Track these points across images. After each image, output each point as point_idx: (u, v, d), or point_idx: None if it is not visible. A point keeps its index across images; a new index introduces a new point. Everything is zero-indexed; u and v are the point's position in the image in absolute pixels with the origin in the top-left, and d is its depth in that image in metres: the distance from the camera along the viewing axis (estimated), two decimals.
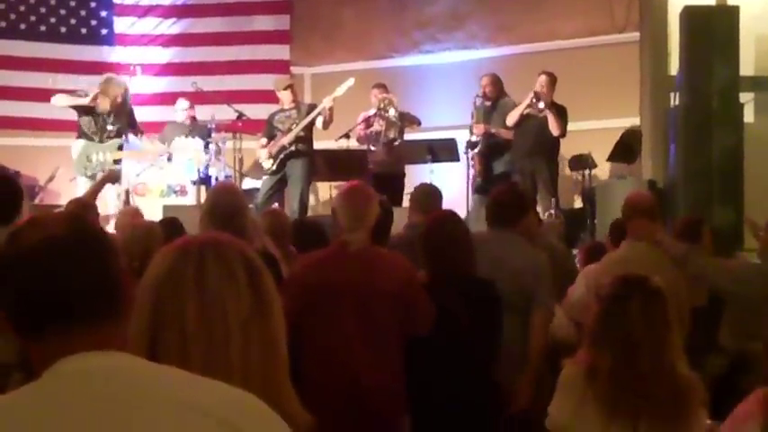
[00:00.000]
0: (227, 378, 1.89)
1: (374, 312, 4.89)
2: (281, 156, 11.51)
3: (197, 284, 2.11)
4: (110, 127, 11.59)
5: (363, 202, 5.10)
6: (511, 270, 5.59)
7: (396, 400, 4.97)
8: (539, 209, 10.85)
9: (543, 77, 11.52)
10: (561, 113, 11.38)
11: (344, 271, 4.93)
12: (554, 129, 11.31)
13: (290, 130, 11.52)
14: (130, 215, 8.11)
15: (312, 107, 11.78)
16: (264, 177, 11.65)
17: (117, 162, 11.29)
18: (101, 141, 11.56)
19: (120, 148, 11.59)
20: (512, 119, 11.61)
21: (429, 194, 7.17)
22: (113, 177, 9.28)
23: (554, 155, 11.64)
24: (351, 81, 11.67)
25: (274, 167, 11.55)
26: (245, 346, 2.11)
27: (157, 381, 1.79)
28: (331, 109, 11.46)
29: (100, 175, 10.81)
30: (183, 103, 12.77)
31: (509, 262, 5.65)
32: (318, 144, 12.60)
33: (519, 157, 11.59)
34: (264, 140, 11.81)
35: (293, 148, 11.50)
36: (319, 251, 5.32)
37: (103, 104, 11.48)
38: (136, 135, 11.86)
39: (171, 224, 6.78)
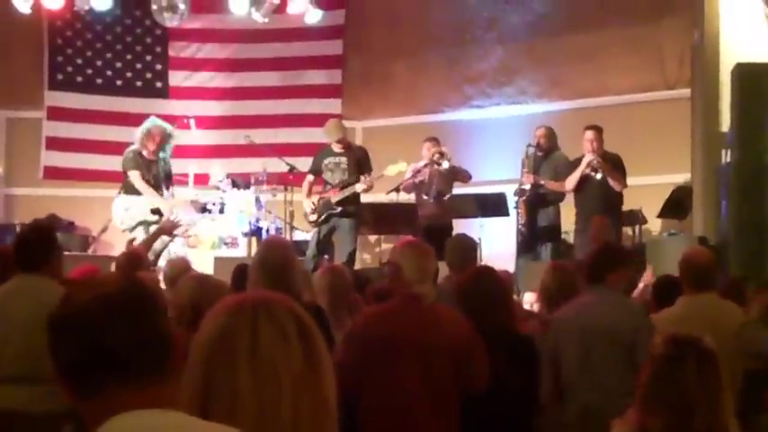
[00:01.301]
0: None
1: (436, 368, 4.88)
2: (327, 213, 11.52)
3: (250, 343, 2.13)
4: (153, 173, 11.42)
5: (427, 257, 5.12)
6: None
7: None
8: None
9: (590, 133, 11.30)
10: (617, 165, 11.21)
11: (410, 325, 4.92)
12: (615, 185, 11.10)
13: (339, 181, 11.51)
14: (180, 267, 8.16)
15: (363, 153, 11.80)
16: (313, 230, 11.67)
17: (155, 213, 11.14)
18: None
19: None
20: (571, 183, 11.39)
21: (462, 248, 7.14)
22: (169, 229, 9.26)
23: (618, 212, 11.37)
24: (403, 165, 11.72)
25: (320, 220, 11.57)
26: (296, 405, 2.12)
27: None
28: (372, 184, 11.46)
29: (141, 229, 10.88)
30: (218, 175, 12.73)
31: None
32: (369, 197, 12.67)
33: (582, 219, 11.41)
34: (311, 177, 11.81)
35: (340, 208, 11.50)
36: (385, 304, 5.32)
37: (150, 147, 11.36)
38: (167, 188, 11.57)
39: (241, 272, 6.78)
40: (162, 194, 11.25)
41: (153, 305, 1.90)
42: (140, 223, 11.06)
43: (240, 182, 12.67)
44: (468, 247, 7.19)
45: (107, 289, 1.87)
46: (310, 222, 11.76)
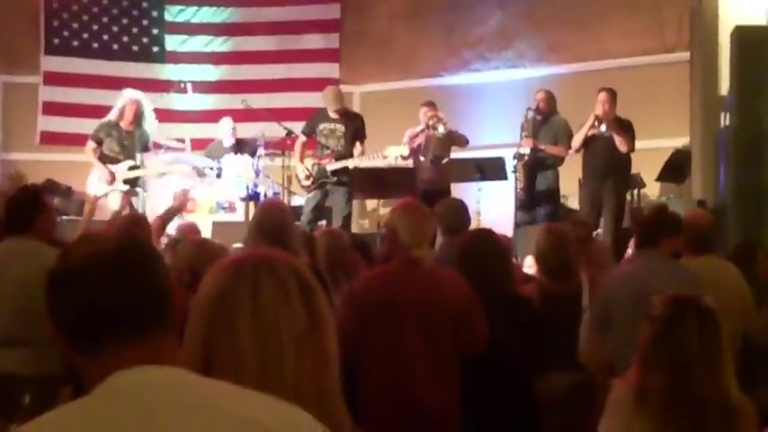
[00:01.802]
0: (280, 395, 1.89)
1: (436, 329, 4.87)
2: (322, 181, 11.57)
3: (251, 301, 2.14)
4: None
5: (425, 219, 5.11)
6: None
7: (454, 420, 4.95)
8: (600, 231, 10.80)
9: (603, 94, 11.22)
10: (627, 129, 11.14)
11: (409, 288, 4.92)
12: (621, 146, 11.01)
13: (334, 150, 11.53)
14: (187, 232, 8.19)
15: (359, 121, 11.82)
16: (308, 195, 11.68)
17: (127, 182, 11.34)
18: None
19: (134, 168, 11.54)
20: (577, 142, 11.31)
21: (454, 212, 7.03)
22: (182, 205, 9.34)
23: (625, 174, 11.27)
24: (405, 151, 11.75)
25: (314, 187, 11.61)
26: (299, 363, 2.12)
27: (212, 395, 1.79)
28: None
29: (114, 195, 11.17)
30: (227, 122, 12.78)
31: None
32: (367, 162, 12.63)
33: (588, 180, 11.37)
34: (304, 138, 11.82)
35: (335, 178, 11.55)
36: (383, 266, 5.31)
37: (125, 121, 11.51)
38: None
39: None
40: (134, 163, 11.42)
41: (150, 260, 1.88)
42: (113, 190, 11.24)
43: (239, 146, 12.65)
44: (461, 210, 7.09)
45: (104, 245, 1.85)
46: (303, 187, 11.79)
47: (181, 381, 1.80)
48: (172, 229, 9.81)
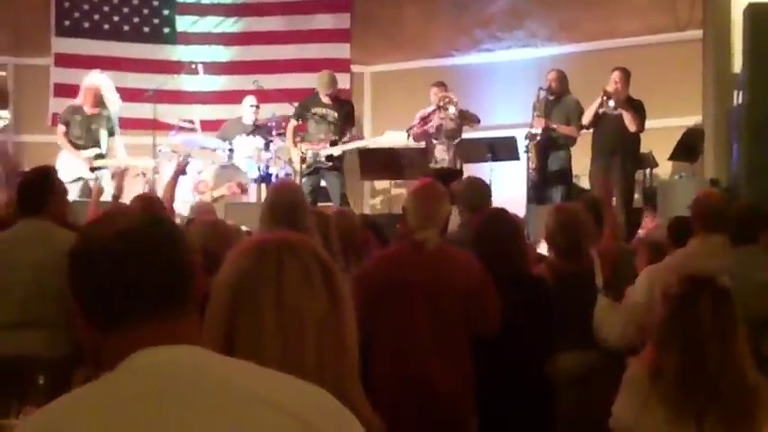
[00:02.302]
0: (301, 376, 1.90)
1: (446, 310, 4.88)
2: (315, 166, 11.80)
3: (276, 284, 2.16)
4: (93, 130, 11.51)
5: (435, 201, 5.10)
6: None
7: (466, 400, 4.95)
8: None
9: (616, 73, 11.26)
10: (637, 109, 11.16)
11: (418, 268, 4.92)
12: (630, 125, 11.04)
13: (326, 135, 11.78)
14: (203, 212, 8.20)
15: (350, 107, 12.11)
16: (303, 179, 11.78)
17: (93, 170, 11.30)
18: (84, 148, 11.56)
19: (100, 156, 11.53)
20: (587, 118, 11.37)
21: (475, 190, 7.09)
22: (181, 170, 9.30)
23: (633, 153, 11.32)
24: (405, 136, 11.93)
25: (308, 171, 11.82)
26: (320, 345, 2.14)
27: (233, 375, 1.80)
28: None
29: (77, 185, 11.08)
30: (251, 100, 12.81)
31: None
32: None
33: (597, 157, 11.39)
34: (295, 122, 12.07)
35: (330, 163, 11.80)
36: (391, 248, 5.32)
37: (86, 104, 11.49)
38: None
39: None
40: (99, 149, 11.43)
41: (173, 239, 1.89)
42: (77, 179, 11.23)
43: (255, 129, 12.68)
44: (482, 188, 7.11)
45: (128, 223, 1.85)
46: (295, 170, 11.98)
47: (201, 360, 1.80)
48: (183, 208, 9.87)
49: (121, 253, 1.81)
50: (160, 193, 9.45)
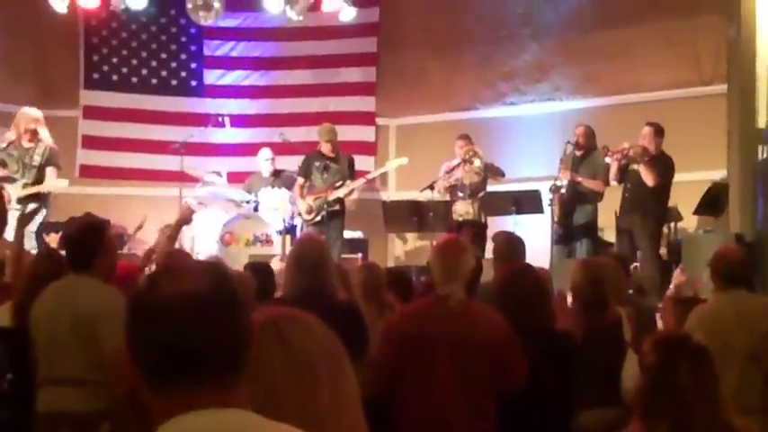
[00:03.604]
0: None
1: (471, 367, 4.88)
2: (323, 213, 11.98)
3: (281, 346, 2.13)
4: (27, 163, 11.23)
5: (457, 256, 5.11)
6: None
7: None
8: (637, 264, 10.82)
9: (646, 129, 11.40)
10: (657, 164, 11.22)
11: (443, 324, 4.93)
12: (647, 179, 11.11)
13: (331, 184, 12.00)
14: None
15: (350, 160, 12.28)
16: (309, 228, 11.96)
17: (21, 202, 10.96)
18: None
19: (26, 186, 11.17)
20: (612, 175, 11.56)
21: (510, 244, 7.17)
22: (187, 217, 9.06)
23: (654, 207, 11.30)
24: (404, 160, 12.44)
25: (317, 219, 12.01)
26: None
27: None
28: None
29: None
30: (266, 153, 12.94)
31: None
32: (403, 194, 12.68)
33: (622, 213, 11.46)
34: (302, 180, 12.27)
35: (335, 207, 12.01)
36: (417, 303, 5.33)
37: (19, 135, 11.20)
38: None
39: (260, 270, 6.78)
40: (38, 182, 11.12)
41: (239, 304, 1.86)
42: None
43: (276, 177, 12.78)
44: (514, 245, 7.18)
45: (196, 284, 1.82)
46: (306, 221, 12.15)
47: (251, 425, 1.80)
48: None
49: (189, 315, 1.78)
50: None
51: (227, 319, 1.82)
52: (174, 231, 8.35)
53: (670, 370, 3.54)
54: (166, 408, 1.78)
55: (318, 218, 12.01)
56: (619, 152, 11.35)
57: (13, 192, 10.94)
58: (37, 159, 11.17)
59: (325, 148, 12.16)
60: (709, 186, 11.53)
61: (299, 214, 12.25)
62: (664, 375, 3.55)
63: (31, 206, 11.02)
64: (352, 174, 12.21)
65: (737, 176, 10.84)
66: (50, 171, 11.29)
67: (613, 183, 11.57)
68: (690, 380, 3.50)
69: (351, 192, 12.12)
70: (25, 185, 11.06)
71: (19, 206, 10.90)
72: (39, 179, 11.12)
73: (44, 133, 11.34)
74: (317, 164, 12.16)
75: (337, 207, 12.06)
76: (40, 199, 11.18)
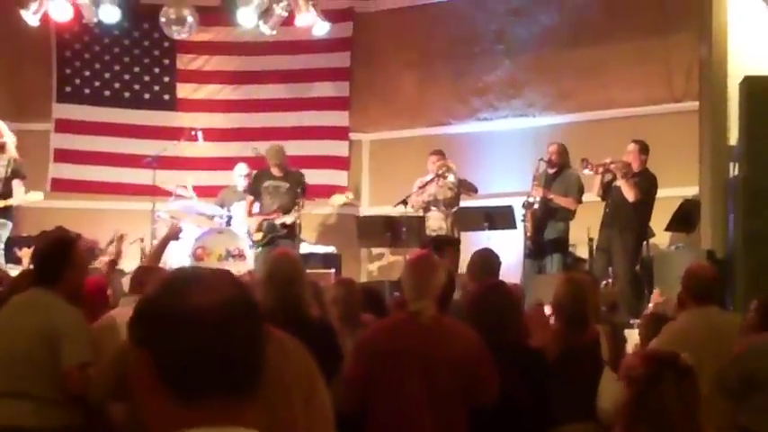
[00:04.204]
0: None
1: (442, 382, 4.88)
2: (272, 236, 12.04)
3: None
4: None
5: (428, 272, 5.10)
6: None
7: None
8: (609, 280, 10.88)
9: (631, 146, 11.54)
10: (640, 180, 11.31)
11: (414, 339, 4.93)
12: (628, 195, 11.21)
13: (279, 206, 12.07)
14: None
15: (300, 178, 12.29)
16: (257, 250, 12.06)
17: None
18: None
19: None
20: (595, 191, 11.67)
21: (485, 261, 7.21)
22: (175, 235, 9.00)
23: (633, 223, 11.37)
24: (350, 195, 12.90)
25: (264, 241, 12.07)
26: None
27: None
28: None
29: None
30: (242, 169, 12.93)
31: None
32: (376, 209, 12.68)
33: (602, 227, 11.57)
34: (251, 198, 12.38)
35: (285, 230, 12.06)
36: (388, 318, 5.33)
37: None
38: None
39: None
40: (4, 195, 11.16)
41: (261, 319, 1.81)
42: None
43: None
44: (489, 261, 7.23)
45: (228, 293, 1.77)
46: (254, 241, 12.18)
47: None
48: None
49: (225, 324, 1.73)
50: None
51: (256, 330, 1.78)
52: (159, 247, 8.36)
53: (656, 384, 3.56)
54: (178, 419, 1.71)
55: (266, 240, 12.04)
56: (600, 165, 11.43)
57: None
58: (1, 171, 11.11)
59: (274, 170, 12.25)
60: (681, 203, 11.59)
61: (247, 233, 12.25)
62: (649, 388, 3.57)
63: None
64: (303, 192, 12.17)
65: (709, 193, 10.91)
66: (17, 183, 11.25)
67: (597, 198, 11.65)
68: (674, 396, 3.52)
69: (298, 217, 12.12)
70: None
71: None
72: (5, 192, 11.05)
73: (10, 142, 11.30)
74: (265, 184, 12.23)
75: (286, 231, 12.08)
76: (6, 213, 11.10)
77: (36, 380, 5.20)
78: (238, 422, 1.74)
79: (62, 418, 5.17)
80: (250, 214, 12.29)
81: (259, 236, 12.08)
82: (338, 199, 12.84)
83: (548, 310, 7.30)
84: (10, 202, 11.19)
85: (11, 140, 11.52)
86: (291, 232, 12.09)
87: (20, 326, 5.31)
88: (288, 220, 12.00)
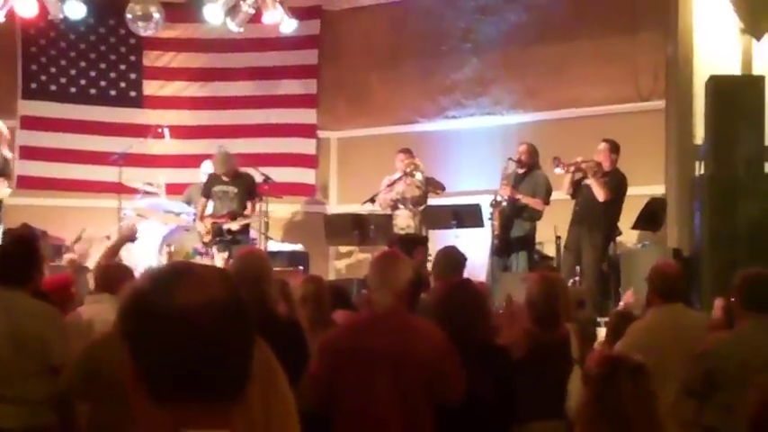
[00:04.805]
0: None
1: (408, 379, 4.87)
2: (219, 239, 11.95)
3: None
4: None
5: (389, 265, 5.10)
6: None
7: None
8: (577, 278, 10.92)
9: (602, 145, 11.59)
10: (610, 179, 11.38)
11: (380, 337, 4.92)
12: (598, 194, 11.26)
13: (230, 209, 12.02)
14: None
15: (250, 181, 12.26)
16: (216, 253, 11.95)
17: None
18: None
19: None
20: (564, 189, 11.70)
21: (448, 260, 7.23)
22: (131, 236, 8.87)
23: (602, 222, 11.42)
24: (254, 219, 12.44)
25: (214, 242, 11.98)
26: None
27: None
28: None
29: None
30: (208, 166, 12.89)
31: None
32: (344, 207, 12.65)
33: (571, 225, 11.61)
34: (204, 200, 12.31)
35: (230, 236, 11.96)
36: (352, 315, 5.33)
37: None
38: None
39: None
40: None
41: (250, 315, 1.75)
42: None
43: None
44: (453, 259, 7.23)
45: (218, 291, 1.70)
46: (204, 243, 12.11)
47: None
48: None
49: (213, 325, 1.66)
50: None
51: (244, 331, 1.72)
52: (114, 247, 8.25)
53: (611, 382, 3.61)
54: (163, 421, 1.67)
55: (215, 242, 11.95)
56: (571, 164, 11.47)
57: None
58: None
59: (222, 176, 12.22)
60: (648, 201, 11.65)
61: (199, 234, 12.20)
62: (605, 387, 3.61)
63: None
64: (252, 195, 12.17)
65: (675, 192, 10.98)
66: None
67: (566, 196, 11.69)
68: (630, 393, 3.57)
69: (252, 218, 12.17)
70: None
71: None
72: None
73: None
74: (215, 188, 12.20)
75: (231, 237, 11.99)
76: None
77: (18, 381, 5.16)
78: (216, 427, 1.68)
79: (41, 417, 5.15)
80: (201, 218, 12.20)
81: (208, 238, 11.99)
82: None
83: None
84: None
85: (4, 138, 11.43)
86: (239, 238, 11.98)
87: None
88: (233, 226, 11.94)
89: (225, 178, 12.12)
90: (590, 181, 11.35)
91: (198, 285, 1.69)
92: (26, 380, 5.14)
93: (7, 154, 11.37)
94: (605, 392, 3.60)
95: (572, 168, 11.55)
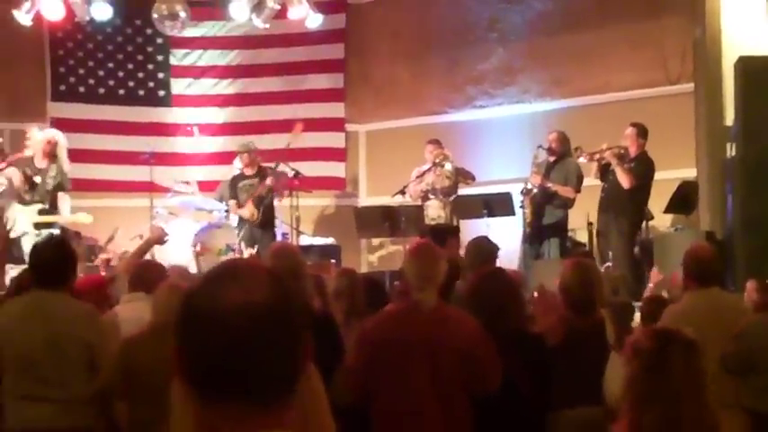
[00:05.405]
0: None
1: (445, 370, 4.89)
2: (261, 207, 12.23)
3: None
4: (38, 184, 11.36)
5: (431, 262, 5.12)
6: None
7: None
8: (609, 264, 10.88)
9: (629, 129, 11.53)
10: (637, 165, 11.33)
11: (416, 328, 4.94)
12: (623, 181, 11.22)
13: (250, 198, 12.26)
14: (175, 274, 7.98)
15: (265, 172, 12.41)
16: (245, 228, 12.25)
17: (37, 227, 11.10)
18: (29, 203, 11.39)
19: (43, 212, 11.34)
20: (593, 174, 11.71)
21: (480, 251, 7.23)
22: (159, 239, 8.85)
23: (624, 208, 11.38)
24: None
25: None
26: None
27: None
28: None
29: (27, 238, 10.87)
30: (240, 162, 12.91)
31: None
32: (374, 200, 12.66)
33: (599, 213, 11.61)
34: (233, 203, 12.44)
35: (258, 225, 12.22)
36: (390, 308, 5.34)
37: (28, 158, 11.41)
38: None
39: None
40: (45, 205, 11.29)
41: (299, 320, 1.73)
42: (26, 233, 11.13)
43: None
44: (485, 249, 7.24)
45: (260, 294, 1.68)
46: (252, 222, 12.28)
47: None
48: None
49: (247, 330, 1.65)
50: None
51: (288, 336, 1.68)
52: (141, 249, 8.25)
53: (663, 356, 3.55)
54: (211, 422, 1.66)
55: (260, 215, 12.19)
56: (595, 152, 11.43)
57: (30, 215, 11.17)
58: (49, 183, 11.29)
59: (246, 170, 12.52)
60: (679, 185, 11.60)
61: (245, 221, 12.33)
62: (657, 361, 3.55)
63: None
64: (272, 185, 12.41)
65: (706, 174, 10.92)
66: (62, 196, 11.34)
67: (598, 183, 11.66)
68: (682, 369, 3.52)
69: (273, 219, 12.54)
70: (41, 212, 11.26)
71: (36, 232, 11.06)
72: (51, 206, 11.28)
73: (63, 156, 11.54)
74: (240, 185, 12.39)
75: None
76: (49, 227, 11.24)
77: (54, 383, 5.20)
78: (270, 429, 1.67)
79: (85, 418, 5.20)
80: (238, 209, 12.39)
81: (255, 216, 12.20)
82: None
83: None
84: (57, 219, 11.24)
85: (64, 151, 11.56)
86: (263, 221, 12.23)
87: (38, 330, 5.26)
88: (244, 214, 12.17)
89: (248, 173, 12.26)
90: (615, 168, 11.31)
91: (241, 287, 1.67)
92: (69, 381, 5.18)
93: (67, 168, 11.50)
94: (656, 367, 3.54)
95: (596, 156, 11.52)
